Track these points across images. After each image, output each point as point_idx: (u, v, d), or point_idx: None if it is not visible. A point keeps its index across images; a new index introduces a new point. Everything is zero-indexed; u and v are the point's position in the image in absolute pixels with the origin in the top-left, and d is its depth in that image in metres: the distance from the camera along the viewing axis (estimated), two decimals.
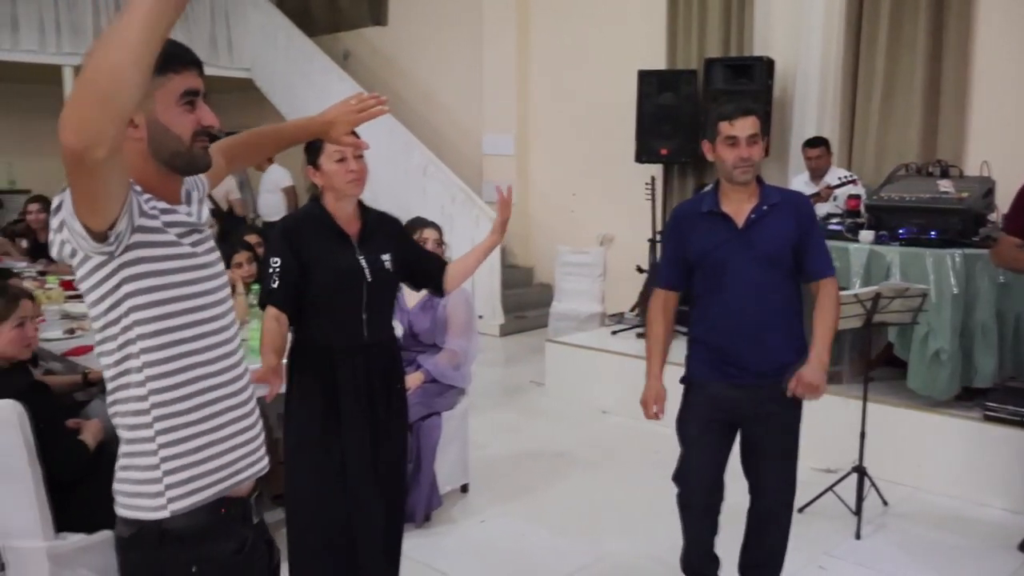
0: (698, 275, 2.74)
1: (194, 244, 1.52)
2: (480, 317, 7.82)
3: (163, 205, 1.48)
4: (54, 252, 1.45)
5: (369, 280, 2.52)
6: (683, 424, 2.81)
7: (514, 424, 5.29)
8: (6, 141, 9.84)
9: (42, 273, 5.30)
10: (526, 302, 8.12)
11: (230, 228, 6.25)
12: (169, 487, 1.50)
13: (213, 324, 1.55)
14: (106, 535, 2.46)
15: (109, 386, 1.52)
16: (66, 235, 1.38)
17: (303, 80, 9.39)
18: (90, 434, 2.76)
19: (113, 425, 1.55)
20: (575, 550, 3.52)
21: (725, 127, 2.58)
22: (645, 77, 6.72)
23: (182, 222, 1.50)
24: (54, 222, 1.40)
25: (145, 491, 1.50)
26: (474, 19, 8.72)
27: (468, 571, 3.36)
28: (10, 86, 9.93)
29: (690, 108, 6.59)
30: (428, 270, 2.75)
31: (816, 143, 5.67)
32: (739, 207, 2.65)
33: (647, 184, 6.31)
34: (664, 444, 3.57)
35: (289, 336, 2.55)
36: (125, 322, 1.46)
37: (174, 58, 1.45)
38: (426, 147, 8.40)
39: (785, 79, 6.55)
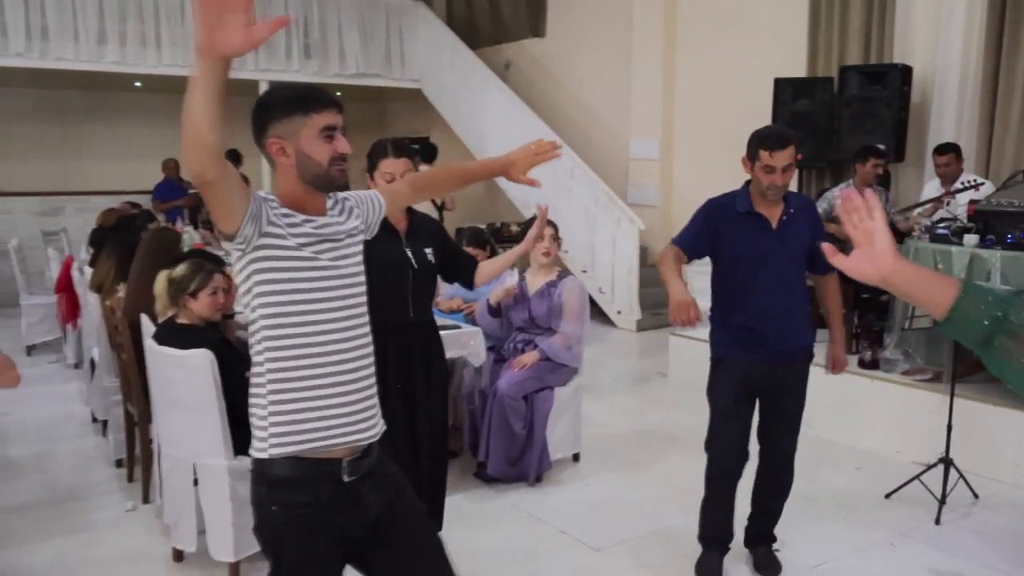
0: (730, 266, 3.13)
1: (319, 252, 1.88)
2: (619, 313, 8.29)
3: (301, 217, 1.87)
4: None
5: (415, 268, 3.02)
6: (714, 397, 3.23)
7: (634, 409, 5.73)
8: None
9: None
10: (665, 300, 8.44)
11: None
12: (272, 436, 1.88)
13: (326, 315, 1.87)
14: None
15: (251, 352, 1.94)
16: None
17: (465, 89, 10.18)
18: None
19: None
20: (661, 515, 3.94)
21: (765, 156, 2.97)
22: (781, 85, 6.95)
23: (308, 233, 1.87)
24: None
25: (257, 435, 1.92)
26: (624, 31, 9.16)
27: (565, 522, 3.86)
28: None
29: (825, 114, 6.77)
30: (461, 266, 3.23)
31: (945, 150, 5.72)
32: (771, 210, 3.06)
33: None
34: None
35: None
36: (253, 304, 1.86)
37: (315, 102, 1.86)
38: (576, 151, 8.92)
39: (924, 85, 6.59)
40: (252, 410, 1.93)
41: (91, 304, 4.98)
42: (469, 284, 3.31)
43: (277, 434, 1.88)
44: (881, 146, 5.94)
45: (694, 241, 3.19)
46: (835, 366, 3.36)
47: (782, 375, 3.13)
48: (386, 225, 2.92)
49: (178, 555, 3.47)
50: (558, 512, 3.99)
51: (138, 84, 10.52)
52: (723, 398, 3.21)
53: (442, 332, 3.91)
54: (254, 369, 1.91)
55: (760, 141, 3.00)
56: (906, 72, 6.41)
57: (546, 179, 9.29)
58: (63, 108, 11.02)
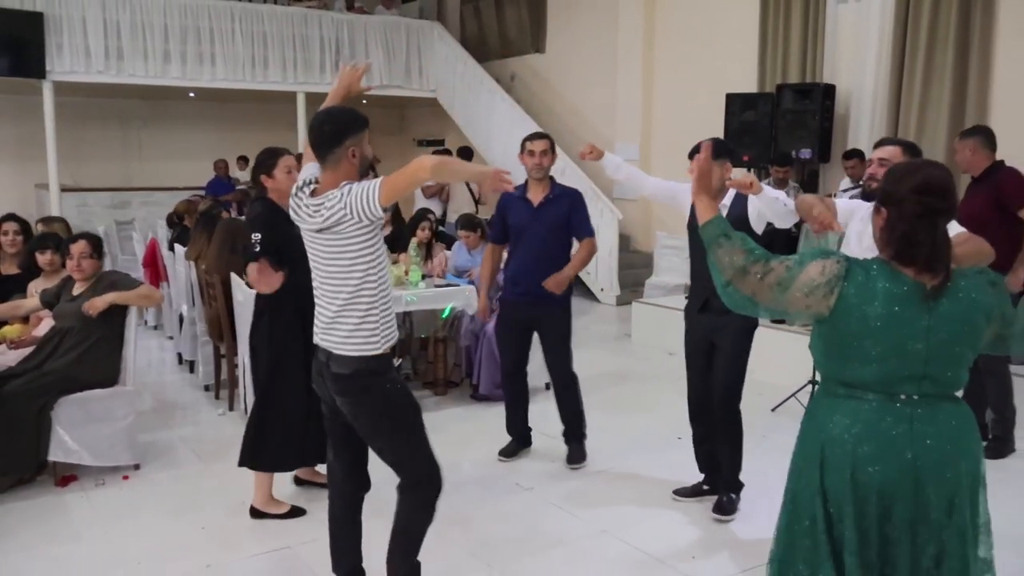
0: (510, 235, 4.47)
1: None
2: (602, 290, 9.77)
3: None
4: (323, 221, 2.63)
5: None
6: (497, 329, 4.71)
7: (601, 358, 7.21)
8: (256, 148, 12.66)
9: None
10: (642, 279, 9.95)
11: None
12: (383, 337, 2.77)
13: (385, 259, 2.80)
14: None
15: (344, 292, 2.70)
16: (348, 211, 2.58)
17: (475, 98, 11.70)
18: None
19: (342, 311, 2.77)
20: (600, 419, 5.40)
21: (528, 145, 4.33)
22: (731, 99, 8.40)
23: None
24: (334, 207, 2.61)
25: (370, 341, 2.74)
26: (611, 49, 10.67)
27: (532, 422, 5.30)
28: (258, 106, 12.88)
29: (766, 124, 8.20)
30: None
31: (850, 155, 7.14)
32: (536, 195, 4.39)
33: None
34: None
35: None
36: (371, 259, 2.68)
37: (366, 121, 2.76)
38: (568, 153, 10.38)
39: (848, 100, 8.02)
40: (363, 327, 2.74)
41: (180, 272, 6.51)
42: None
43: (386, 335, 2.81)
44: (805, 152, 7.36)
45: (496, 230, 4.59)
46: (550, 283, 4.24)
47: (538, 312, 4.43)
48: (289, 219, 2.99)
49: None
50: (540, 420, 5.46)
51: (192, 94, 12.10)
52: (500, 327, 4.69)
53: (446, 288, 5.47)
54: (362, 300, 2.72)
55: (526, 138, 4.38)
56: (829, 90, 7.85)
57: None
58: (125, 115, 12.66)
